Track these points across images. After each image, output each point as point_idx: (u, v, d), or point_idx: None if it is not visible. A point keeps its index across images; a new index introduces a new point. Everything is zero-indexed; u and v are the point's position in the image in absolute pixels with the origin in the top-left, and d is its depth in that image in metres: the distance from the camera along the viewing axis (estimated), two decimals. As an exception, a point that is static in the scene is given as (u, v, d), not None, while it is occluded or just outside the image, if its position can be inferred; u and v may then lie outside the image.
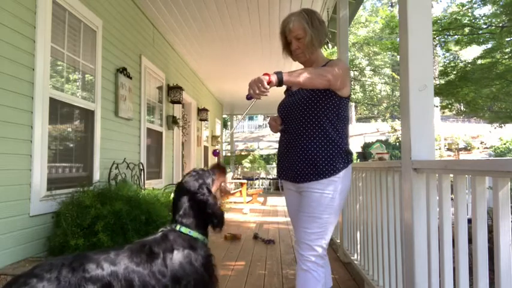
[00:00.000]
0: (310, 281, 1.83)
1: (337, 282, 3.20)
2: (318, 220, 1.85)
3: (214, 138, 10.78)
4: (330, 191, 1.86)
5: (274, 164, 14.03)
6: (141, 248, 1.55)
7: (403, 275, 2.12)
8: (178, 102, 6.30)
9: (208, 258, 1.65)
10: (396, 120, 24.54)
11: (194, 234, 1.65)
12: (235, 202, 9.58)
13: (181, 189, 1.75)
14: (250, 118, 29.80)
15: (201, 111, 8.65)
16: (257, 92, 1.62)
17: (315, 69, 1.81)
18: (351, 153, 1.98)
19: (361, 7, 18.29)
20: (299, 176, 1.93)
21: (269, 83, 1.63)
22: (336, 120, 1.93)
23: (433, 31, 10.08)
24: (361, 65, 28.15)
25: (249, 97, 1.67)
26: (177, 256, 1.56)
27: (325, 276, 1.91)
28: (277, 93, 2.15)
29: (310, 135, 1.90)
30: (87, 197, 2.82)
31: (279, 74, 1.67)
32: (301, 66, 2.05)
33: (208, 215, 1.71)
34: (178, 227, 1.65)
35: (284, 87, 1.96)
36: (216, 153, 2.03)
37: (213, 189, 1.79)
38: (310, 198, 1.88)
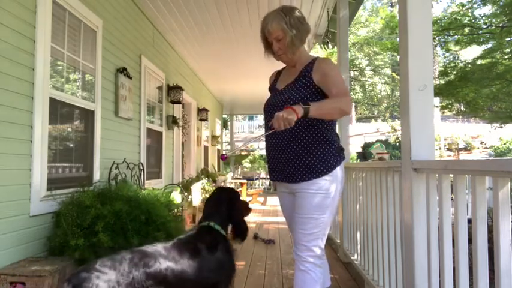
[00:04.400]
0: (308, 281, 1.82)
1: (337, 282, 3.20)
2: (313, 221, 1.83)
3: (214, 138, 10.78)
4: (325, 190, 1.84)
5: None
6: (187, 244, 1.76)
7: (403, 275, 2.12)
8: (178, 102, 6.30)
9: (234, 252, 1.93)
10: (396, 120, 24.54)
11: (223, 233, 1.94)
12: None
13: (223, 195, 2.10)
14: (250, 118, 29.80)
15: (201, 111, 8.65)
16: (282, 127, 1.64)
17: (337, 103, 1.76)
18: (342, 150, 1.97)
19: (361, 7, 18.28)
20: (292, 177, 1.91)
21: (296, 120, 1.65)
22: None
23: (433, 31, 10.08)
24: (361, 65, 28.16)
25: (272, 128, 1.70)
26: (217, 249, 1.81)
27: (323, 276, 1.91)
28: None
29: (302, 135, 1.88)
30: (87, 197, 2.82)
31: (306, 109, 1.66)
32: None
33: (237, 225, 2.04)
34: (212, 224, 1.93)
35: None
36: (224, 157, 2.06)
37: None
38: (305, 199, 1.86)
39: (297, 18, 1.92)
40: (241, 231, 2.03)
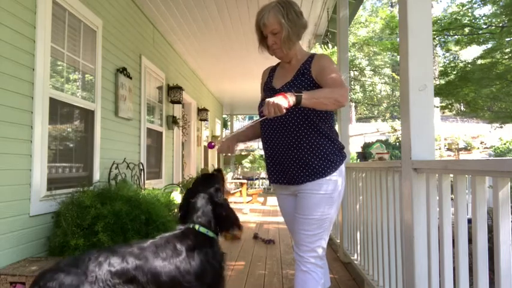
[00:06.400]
0: (309, 281, 1.79)
1: (337, 282, 3.20)
2: (316, 222, 1.80)
3: (214, 138, 10.78)
4: (327, 191, 1.82)
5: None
6: (165, 244, 1.61)
7: (403, 275, 2.12)
8: (178, 102, 6.30)
9: (222, 255, 1.76)
10: (396, 120, 24.53)
11: (210, 233, 1.75)
12: (235, 202, 9.58)
13: (198, 191, 1.84)
14: (250, 118, 29.78)
15: (201, 111, 8.65)
16: (273, 114, 1.58)
17: (332, 93, 1.69)
18: (343, 148, 1.94)
19: (361, 7, 18.27)
20: (295, 179, 1.86)
21: (287, 107, 1.58)
22: (326, 115, 1.87)
23: (433, 31, 10.07)
24: (361, 65, 28.13)
25: (262, 115, 1.65)
26: (199, 254, 1.64)
27: (323, 277, 1.89)
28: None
29: (304, 135, 1.83)
30: (87, 197, 2.82)
31: (298, 97, 1.60)
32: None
33: (224, 218, 1.81)
34: (197, 227, 1.73)
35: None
36: (211, 145, 2.03)
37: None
38: (307, 199, 1.83)
39: (295, 12, 1.86)
40: (233, 224, 1.83)
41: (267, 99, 1.59)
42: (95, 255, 1.44)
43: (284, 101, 1.56)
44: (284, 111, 1.57)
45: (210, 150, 10.26)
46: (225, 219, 1.82)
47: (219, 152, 2.08)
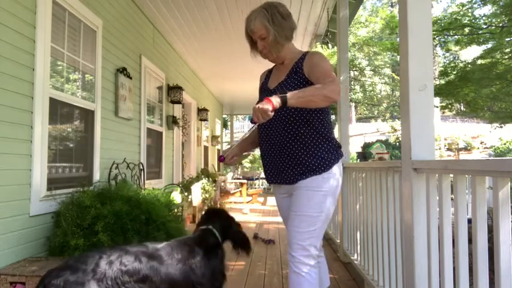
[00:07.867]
0: (303, 284, 1.74)
1: (337, 282, 3.20)
2: (308, 219, 1.78)
3: (214, 138, 10.78)
4: (322, 188, 1.80)
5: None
6: (183, 245, 1.74)
7: (403, 275, 2.12)
8: (178, 102, 6.30)
9: (225, 262, 1.95)
10: (396, 120, 24.53)
11: (219, 238, 1.97)
12: (235, 202, 9.58)
13: (217, 212, 2.18)
14: (250, 118, 29.78)
15: (201, 111, 8.65)
16: (261, 119, 1.59)
17: (320, 90, 1.65)
18: (340, 147, 1.94)
19: (361, 7, 18.26)
20: (290, 179, 1.86)
21: (273, 110, 1.59)
22: (322, 114, 1.87)
23: (433, 31, 10.07)
24: (361, 65, 28.12)
25: (253, 122, 1.67)
26: (213, 257, 1.80)
27: (321, 276, 1.87)
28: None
29: (298, 134, 1.83)
30: (87, 197, 2.81)
31: (283, 97, 1.60)
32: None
33: (236, 235, 2.10)
34: (211, 227, 1.99)
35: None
36: (222, 158, 2.07)
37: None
38: (301, 196, 1.82)
39: (280, 15, 1.85)
40: (242, 241, 2.08)
41: (253, 106, 1.61)
42: (106, 254, 1.44)
43: (268, 105, 1.57)
44: (271, 114, 1.57)
45: (210, 150, 10.26)
46: (242, 239, 2.09)
47: (229, 163, 2.18)
